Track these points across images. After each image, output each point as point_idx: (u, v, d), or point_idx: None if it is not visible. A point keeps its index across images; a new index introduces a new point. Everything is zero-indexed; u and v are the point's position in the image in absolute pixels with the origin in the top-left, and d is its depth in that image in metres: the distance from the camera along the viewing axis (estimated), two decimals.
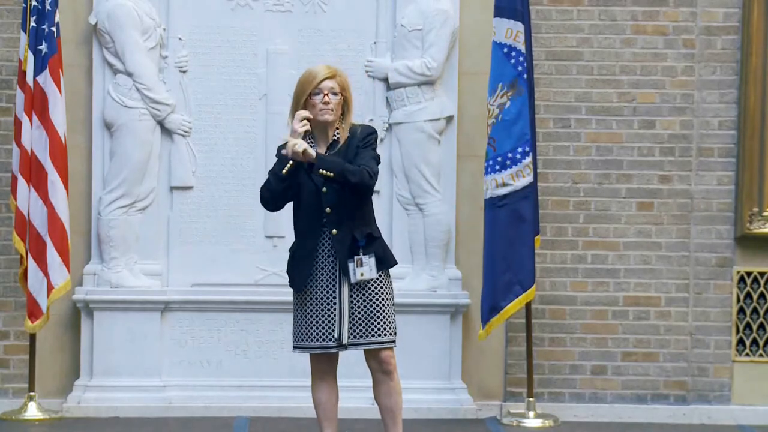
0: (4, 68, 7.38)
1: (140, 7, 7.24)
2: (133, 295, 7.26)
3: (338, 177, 5.48)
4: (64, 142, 7.06)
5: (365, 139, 5.62)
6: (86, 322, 7.29)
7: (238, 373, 7.35)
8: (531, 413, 7.26)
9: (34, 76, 7.02)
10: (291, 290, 7.34)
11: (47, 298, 7.01)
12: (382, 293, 5.60)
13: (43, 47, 7.02)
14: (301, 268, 5.63)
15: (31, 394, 7.14)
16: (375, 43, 7.41)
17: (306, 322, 5.63)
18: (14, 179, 7.10)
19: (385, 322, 5.59)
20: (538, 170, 7.28)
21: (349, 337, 5.57)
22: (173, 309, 7.34)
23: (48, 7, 7.01)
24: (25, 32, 7.04)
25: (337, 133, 5.65)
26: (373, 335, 5.59)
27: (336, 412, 5.77)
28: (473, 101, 7.38)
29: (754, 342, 7.49)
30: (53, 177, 7.01)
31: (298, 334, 5.68)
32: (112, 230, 7.25)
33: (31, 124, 7.02)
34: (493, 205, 7.08)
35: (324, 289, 5.60)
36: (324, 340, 5.60)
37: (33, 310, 7.03)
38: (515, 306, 7.10)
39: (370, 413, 7.08)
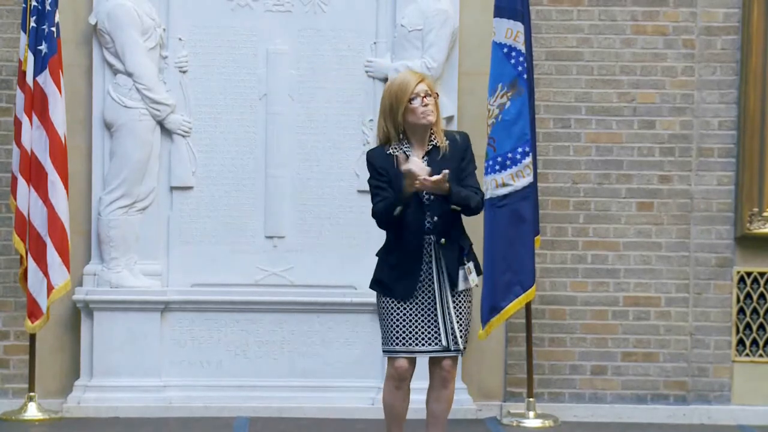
0: (4, 68, 7.38)
1: (140, 7, 7.24)
2: (133, 295, 7.26)
3: (464, 208, 5.62)
4: (64, 142, 7.06)
5: (468, 149, 5.70)
6: (86, 323, 7.28)
7: (238, 373, 7.35)
8: (531, 413, 7.26)
9: (34, 76, 7.02)
10: (292, 290, 7.40)
11: (47, 299, 7.01)
12: (470, 303, 5.70)
13: (43, 47, 7.02)
14: (406, 279, 5.60)
15: (31, 394, 7.14)
16: (375, 43, 7.41)
17: (405, 327, 5.62)
18: (14, 179, 7.10)
19: (466, 331, 5.68)
20: (538, 170, 7.28)
21: (462, 342, 5.64)
22: (173, 309, 7.34)
23: (48, 7, 7.01)
24: (25, 32, 7.04)
25: (434, 138, 5.66)
26: (467, 340, 5.70)
27: (405, 416, 5.80)
28: (473, 101, 7.38)
29: (754, 342, 7.49)
30: (53, 177, 7.01)
31: (394, 338, 5.62)
32: (112, 230, 7.25)
33: (31, 124, 7.02)
34: (493, 205, 7.08)
35: (426, 296, 5.62)
36: (425, 344, 5.61)
37: (33, 311, 7.03)
38: (515, 306, 7.10)
39: (371, 413, 7.09)
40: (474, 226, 7.24)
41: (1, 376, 7.36)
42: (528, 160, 7.06)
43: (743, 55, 7.40)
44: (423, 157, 5.62)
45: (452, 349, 5.62)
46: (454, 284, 5.61)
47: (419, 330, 5.62)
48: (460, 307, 5.64)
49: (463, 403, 7.31)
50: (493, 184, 7.07)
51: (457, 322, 5.62)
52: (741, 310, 7.48)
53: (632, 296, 7.48)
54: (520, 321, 7.32)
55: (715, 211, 7.47)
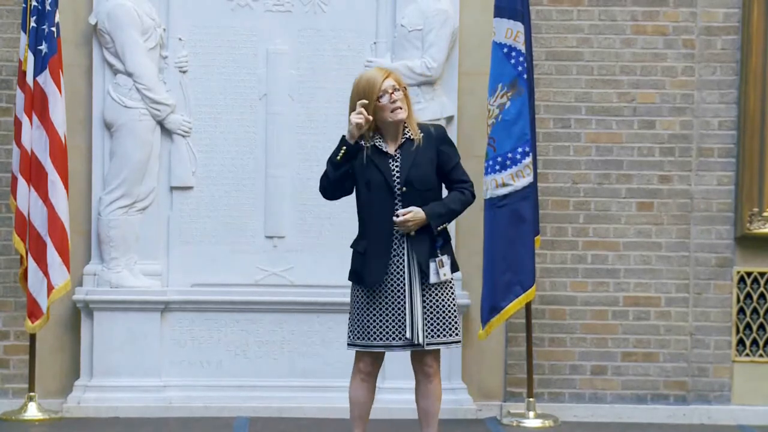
0: (4, 68, 7.38)
1: (140, 7, 7.24)
2: (133, 296, 7.26)
3: (452, 218, 5.68)
4: (64, 142, 7.06)
5: (445, 140, 5.69)
6: (86, 323, 7.29)
7: (238, 373, 7.35)
8: (531, 413, 7.26)
9: (34, 76, 7.02)
10: (292, 290, 7.40)
11: (47, 298, 7.01)
12: (452, 294, 5.66)
13: (43, 47, 7.02)
14: (375, 266, 5.60)
15: (31, 394, 7.14)
16: (375, 43, 7.41)
17: (371, 321, 5.61)
18: (14, 179, 7.10)
19: (451, 321, 5.63)
20: (538, 170, 7.28)
21: (430, 337, 5.60)
22: (173, 309, 7.34)
23: (48, 7, 7.01)
24: (25, 32, 7.04)
25: (407, 131, 5.66)
26: (444, 335, 5.62)
27: (368, 414, 5.78)
28: (473, 101, 7.38)
29: (754, 342, 7.49)
30: (53, 177, 7.01)
31: (358, 332, 5.64)
32: (112, 230, 7.25)
33: (31, 124, 7.02)
34: (493, 205, 7.08)
35: (395, 289, 5.60)
36: (390, 339, 5.59)
37: (33, 310, 7.03)
38: (515, 306, 7.10)
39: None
40: (474, 226, 7.27)
41: (1, 376, 7.36)
42: (528, 160, 7.06)
43: (743, 55, 7.40)
44: (396, 150, 5.62)
45: (415, 343, 5.57)
46: (425, 277, 5.59)
47: (386, 324, 5.59)
48: (432, 302, 5.60)
49: (463, 403, 7.32)
50: (493, 184, 7.07)
51: (426, 316, 5.58)
52: (741, 310, 7.48)
53: (632, 296, 7.48)
54: (520, 321, 7.32)
55: (715, 211, 7.47)
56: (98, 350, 7.26)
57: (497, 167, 7.06)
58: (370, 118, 5.54)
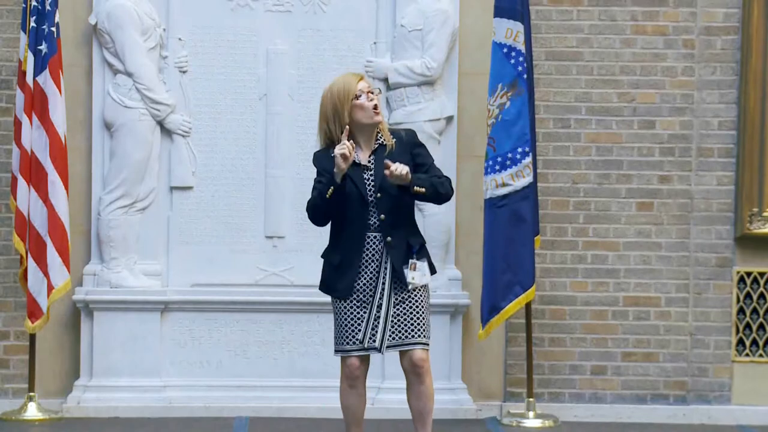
0: (4, 68, 7.38)
1: (140, 7, 7.24)
2: (133, 296, 7.26)
3: (429, 191, 5.55)
4: (64, 142, 7.06)
5: (416, 144, 5.65)
6: (86, 323, 7.29)
7: (238, 373, 7.35)
8: (531, 413, 7.26)
9: (34, 76, 7.02)
10: (291, 290, 7.40)
11: (47, 299, 7.01)
12: (423, 297, 5.63)
13: (43, 47, 7.02)
14: (346, 277, 5.60)
15: (31, 394, 7.14)
16: (375, 43, 7.41)
17: (346, 327, 5.62)
18: (14, 179, 7.10)
19: (421, 324, 5.60)
20: (538, 170, 7.28)
21: (388, 339, 5.57)
22: (173, 309, 7.34)
23: (48, 7, 7.01)
24: (25, 32, 7.04)
25: (380, 137, 5.65)
26: (408, 336, 5.59)
27: (362, 416, 5.78)
28: (473, 101, 7.38)
29: (754, 342, 7.49)
30: (53, 177, 7.02)
31: (338, 338, 5.66)
32: (112, 230, 7.25)
33: (31, 124, 7.02)
34: (492, 205, 7.08)
35: (365, 294, 5.60)
36: (371, 342, 5.60)
37: (33, 310, 7.03)
38: (515, 306, 7.10)
39: (370, 413, 7.06)
40: (474, 226, 7.27)
41: (1, 376, 7.37)
42: (528, 160, 7.06)
43: (743, 55, 7.40)
44: (370, 156, 5.62)
45: (366, 346, 5.56)
46: (399, 282, 5.57)
47: (359, 329, 5.59)
48: (401, 304, 5.57)
49: (463, 403, 7.32)
50: (492, 184, 7.07)
51: (394, 319, 5.56)
52: (741, 310, 7.48)
53: (632, 296, 7.48)
54: (520, 321, 7.32)
55: (715, 211, 7.47)
56: (98, 350, 7.26)
57: (497, 167, 7.06)
58: (353, 148, 5.49)
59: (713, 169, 7.48)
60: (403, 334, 5.59)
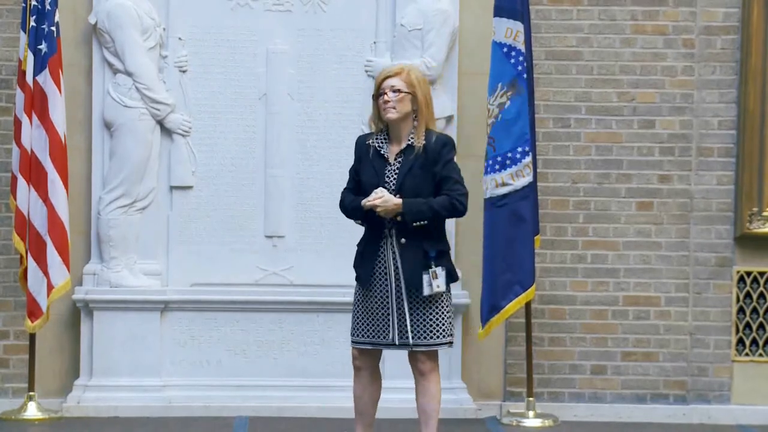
0: (4, 68, 7.38)
1: (140, 7, 7.24)
2: (133, 295, 7.26)
3: (431, 219, 5.58)
4: (63, 141, 7.06)
5: (441, 152, 5.62)
6: (86, 322, 7.29)
7: (238, 373, 7.35)
8: (531, 413, 7.26)
9: (34, 75, 7.02)
10: (291, 290, 7.41)
11: (47, 298, 7.01)
12: (444, 301, 5.66)
13: (43, 47, 7.02)
14: (365, 266, 5.68)
15: (31, 393, 7.14)
16: (375, 43, 7.41)
17: (361, 319, 5.71)
18: (14, 179, 7.10)
19: (438, 325, 5.63)
20: (538, 170, 7.28)
21: (399, 338, 5.63)
22: (173, 309, 7.34)
23: (48, 6, 7.01)
24: (25, 32, 7.04)
25: (411, 138, 5.65)
26: (423, 337, 5.64)
27: (371, 410, 5.83)
28: (473, 101, 7.38)
29: (754, 342, 7.50)
30: (53, 176, 7.01)
31: (352, 328, 5.77)
32: (111, 230, 7.25)
33: (31, 123, 7.02)
34: (492, 204, 7.08)
35: (384, 289, 5.65)
36: (376, 337, 5.67)
37: (33, 310, 7.03)
38: (515, 306, 7.10)
39: None
40: (474, 226, 7.27)
41: (0, 376, 7.36)
42: (528, 159, 7.06)
43: (743, 54, 7.41)
44: (397, 156, 5.65)
45: (397, 343, 5.63)
46: (414, 286, 5.59)
47: (373, 323, 5.67)
48: (421, 303, 5.61)
49: (462, 402, 7.32)
50: (492, 184, 7.07)
51: (413, 317, 5.61)
52: (741, 310, 7.48)
53: (632, 296, 7.48)
54: (519, 320, 7.32)
55: (715, 211, 7.47)
56: (98, 350, 7.26)
57: (497, 167, 7.06)
58: (380, 200, 5.56)
59: (713, 169, 7.48)
60: (412, 334, 5.63)
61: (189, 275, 7.37)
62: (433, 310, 5.64)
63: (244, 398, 7.29)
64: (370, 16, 7.40)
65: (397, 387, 7.07)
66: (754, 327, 7.49)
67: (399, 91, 5.62)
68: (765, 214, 7.40)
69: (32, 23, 7.01)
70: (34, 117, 7.02)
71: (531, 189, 7.10)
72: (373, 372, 5.81)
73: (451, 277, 5.71)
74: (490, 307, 7.09)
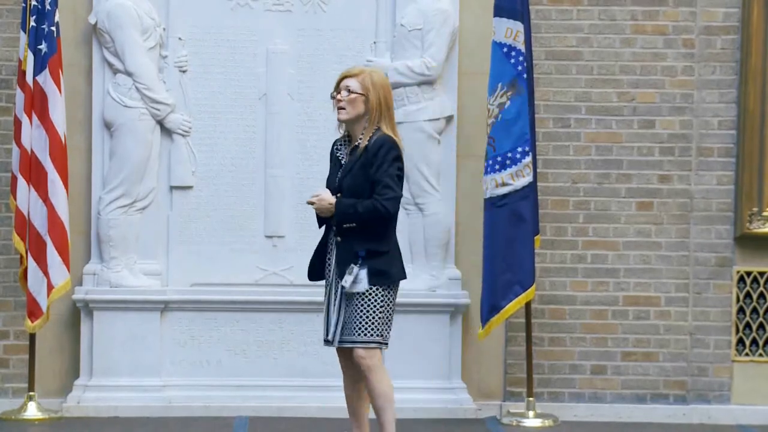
0: (4, 68, 7.38)
1: (140, 7, 7.24)
2: (133, 295, 7.26)
3: (359, 223, 5.59)
4: (63, 141, 7.06)
5: (377, 154, 5.61)
6: (86, 322, 7.29)
7: (238, 373, 7.35)
8: (531, 413, 7.26)
9: (34, 75, 7.02)
10: (291, 290, 7.42)
11: (47, 298, 7.01)
12: (371, 300, 5.63)
13: (43, 47, 7.02)
14: (312, 261, 5.79)
15: (31, 393, 7.14)
16: (375, 42, 7.41)
17: (325, 317, 5.79)
18: (14, 179, 7.10)
19: (360, 323, 5.62)
20: (538, 170, 7.28)
21: (337, 335, 5.68)
22: (173, 309, 7.34)
23: (48, 6, 7.01)
24: (25, 32, 7.04)
25: (361, 138, 5.68)
26: (348, 334, 5.65)
27: (359, 409, 5.83)
28: (473, 101, 7.38)
29: (754, 342, 7.49)
30: (53, 176, 7.02)
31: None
32: (111, 230, 7.25)
33: (31, 123, 7.02)
34: (492, 204, 7.08)
35: (328, 289, 5.73)
36: (325, 334, 5.77)
37: (33, 310, 7.03)
38: (515, 306, 7.10)
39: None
40: (474, 226, 7.27)
41: (0, 376, 7.36)
42: (528, 159, 7.06)
43: (743, 54, 7.40)
44: (349, 156, 5.70)
45: (329, 340, 5.70)
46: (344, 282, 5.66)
47: (326, 321, 5.75)
48: (348, 302, 5.63)
49: (462, 402, 7.31)
50: (492, 184, 7.07)
51: (339, 314, 5.65)
52: (741, 310, 7.48)
53: (632, 296, 7.48)
54: (519, 320, 7.32)
55: (715, 211, 7.47)
56: (98, 350, 7.26)
57: (497, 167, 7.07)
58: (319, 200, 5.67)
59: (713, 169, 7.48)
60: (345, 332, 5.65)
61: (189, 275, 7.37)
62: (357, 309, 5.63)
63: (244, 398, 7.29)
64: (370, 16, 7.40)
65: (398, 387, 7.06)
66: (754, 327, 7.49)
67: (351, 91, 5.64)
68: (765, 214, 7.40)
69: (32, 23, 7.01)
70: (34, 117, 7.02)
71: (531, 189, 7.10)
72: (351, 371, 5.80)
73: (382, 278, 5.63)
74: (490, 307, 7.09)
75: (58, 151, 7.03)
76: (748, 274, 7.48)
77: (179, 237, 7.39)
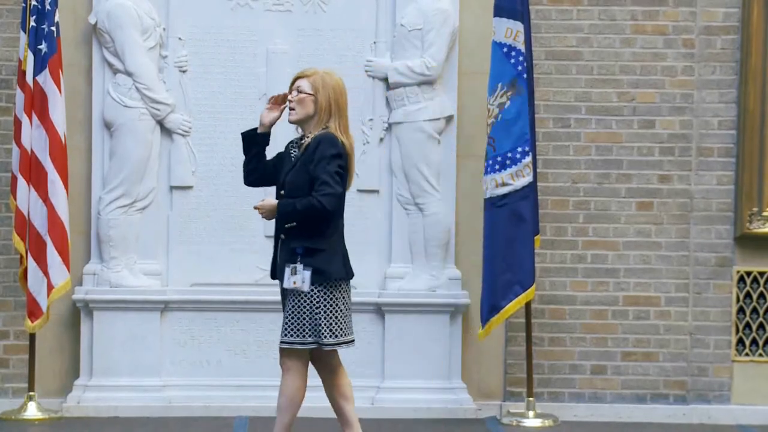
0: (4, 68, 7.38)
1: (140, 7, 7.24)
2: (133, 295, 7.27)
3: (300, 222, 5.61)
4: (63, 141, 7.06)
5: (316, 150, 5.63)
6: (86, 322, 7.29)
7: (238, 373, 7.35)
8: (531, 413, 7.26)
9: (34, 75, 7.02)
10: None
11: (47, 298, 7.01)
12: (306, 300, 5.63)
13: (43, 47, 7.02)
14: (273, 258, 5.82)
15: (31, 393, 7.14)
16: (375, 42, 7.41)
17: None
18: (14, 179, 7.10)
19: (286, 323, 5.67)
20: (538, 170, 7.28)
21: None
22: (173, 309, 7.34)
23: (48, 6, 7.01)
24: (25, 32, 7.04)
25: (308, 137, 5.72)
26: (282, 333, 5.72)
27: (344, 408, 5.92)
28: (473, 101, 7.38)
29: (754, 342, 7.49)
30: (53, 176, 7.02)
31: None
32: (111, 230, 7.26)
33: (31, 123, 7.02)
34: (492, 204, 7.08)
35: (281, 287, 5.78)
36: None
37: (33, 310, 7.03)
38: (515, 306, 7.10)
39: (371, 413, 7.10)
40: (474, 226, 7.27)
41: (0, 376, 7.37)
42: (528, 159, 7.06)
43: (743, 54, 7.41)
44: (298, 153, 5.74)
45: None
46: (282, 282, 5.68)
47: None
48: (287, 301, 5.67)
49: (462, 402, 7.31)
50: (492, 184, 7.07)
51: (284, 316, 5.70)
52: (741, 310, 7.48)
53: (632, 296, 7.48)
54: (519, 320, 7.32)
55: (715, 211, 7.47)
56: (98, 350, 7.26)
57: (497, 167, 7.07)
58: (282, 101, 5.77)
59: (713, 169, 7.48)
60: (283, 332, 5.71)
61: (189, 275, 7.38)
62: (288, 308, 5.67)
63: (244, 398, 7.29)
64: (370, 16, 7.40)
65: (398, 387, 7.09)
66: (754, 327, 7.49)
67: (300, 92, 5.67)
68: (765, 214, 7.40)
69: (32, 23, 7.01)
70: (34, 117, 7.02)
71: (531, 189, 7.11)
72: (322, 372, 5.91)
73: (319, 276, 5.61)
74: (490, 307, 7.09)
75: (58, 151, 7.04)
76: (748, 274, 7.48)
77: (179, 237, 7.39)
